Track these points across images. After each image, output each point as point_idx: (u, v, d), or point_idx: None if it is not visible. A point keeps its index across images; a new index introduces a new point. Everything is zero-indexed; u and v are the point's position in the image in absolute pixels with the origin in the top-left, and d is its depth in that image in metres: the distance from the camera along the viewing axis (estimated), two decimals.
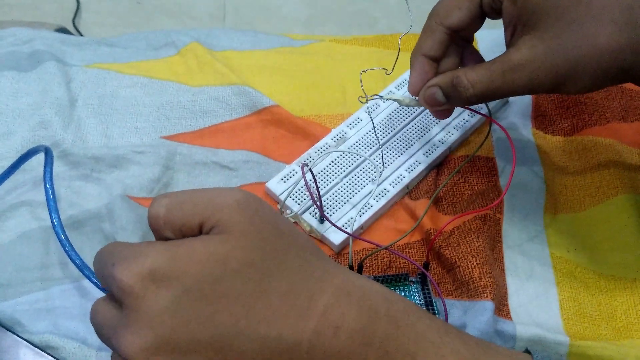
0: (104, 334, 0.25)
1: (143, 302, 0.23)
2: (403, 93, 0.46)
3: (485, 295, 0.36)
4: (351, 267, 0.37)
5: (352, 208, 0.40)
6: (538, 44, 0.32)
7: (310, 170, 0.39)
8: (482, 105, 0.44)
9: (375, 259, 0.39)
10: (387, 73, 0.39)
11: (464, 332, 0.27)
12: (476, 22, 0.36)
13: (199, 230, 0.25)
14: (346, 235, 0.38)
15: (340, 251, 0.39)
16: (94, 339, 0.35)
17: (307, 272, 0.25)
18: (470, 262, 0.37)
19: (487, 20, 0.37)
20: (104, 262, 0.25)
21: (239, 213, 0.25)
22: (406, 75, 0.47)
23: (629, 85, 0.48)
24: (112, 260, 0.25)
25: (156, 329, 0.23)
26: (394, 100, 0.39)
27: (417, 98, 0.38)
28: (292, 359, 0.24)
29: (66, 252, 0.34)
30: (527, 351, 0.28)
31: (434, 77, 0.36)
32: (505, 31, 0.35)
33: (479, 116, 0.44)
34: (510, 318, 0.37)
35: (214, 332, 0.23)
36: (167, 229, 0.25)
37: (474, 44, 0.39)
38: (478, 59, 0.38)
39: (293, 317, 0.24)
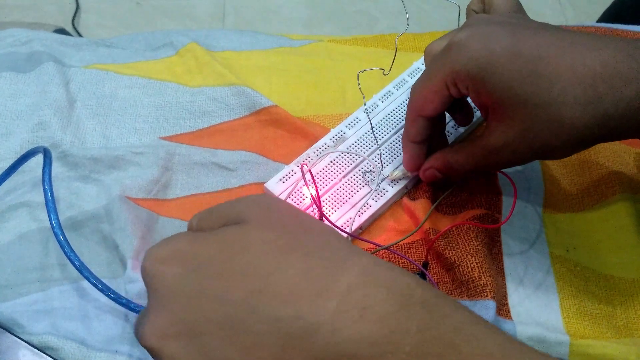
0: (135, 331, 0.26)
1: (158, 281, 0.24)
2: (401, 94, 0.46)
3: (486, 294, 0.36)
4: None
5: (351, 208, 0.40)
6: (508, 130, 0.34)
7: (310, 170, 0.39)
8: None
9: None
10: (385, 73, 0.39)
11: (499, 328, 0.25)
12: (451, 104, 0.37)
13: None
14: (345, 235, 0.38)
15: None
16: (93, 339, 0.35)
17: (328, 252, 0.24)
18: (469, 261, 0.37)
19: None
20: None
21: (257, 205, 0.26)
22: (404, 75, 0.47)
23: None
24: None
25: (168, 309, 0.23)
26: (395, 178, 0.42)
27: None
28: (311, 344, 0.22)
29: (65, 253, 0.34)
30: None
31: (428, 160, 0.40)
32: (480, 110, 0.36)
33: (476, 116, 0.44)
34: (510, 317, 0.37)
35: (226, 311, 0.22)
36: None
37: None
38: (466, 113, 0.42)
39: (312, 295, 0.22)
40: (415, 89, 0.37)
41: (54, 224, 0.35)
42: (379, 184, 0.41)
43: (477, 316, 0.24)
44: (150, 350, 0.24)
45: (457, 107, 0.41)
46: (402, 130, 0.44)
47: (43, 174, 0.36)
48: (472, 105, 0.43)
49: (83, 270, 0.34)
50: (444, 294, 0.24)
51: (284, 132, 0.45)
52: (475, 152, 0.36)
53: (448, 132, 0.44)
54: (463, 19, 0.43)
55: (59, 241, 0.34)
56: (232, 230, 0.24)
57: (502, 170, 0.40)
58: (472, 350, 0.22)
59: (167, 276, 0.24)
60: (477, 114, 0.44)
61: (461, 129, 0.45)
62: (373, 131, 0.43)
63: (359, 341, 0.21)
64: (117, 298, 0.34)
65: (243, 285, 0.23)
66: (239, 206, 0.26)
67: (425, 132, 0.39)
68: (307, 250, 0.24)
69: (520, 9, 0.40)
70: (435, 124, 0.39)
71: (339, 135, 0.44)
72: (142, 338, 0.24)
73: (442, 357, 0.21)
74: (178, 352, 0.23)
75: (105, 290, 0.34)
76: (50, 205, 0.35)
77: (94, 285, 0.34)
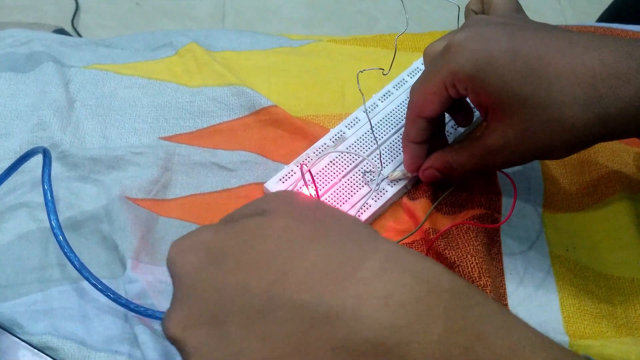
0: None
1: (181, 271, 0.24)
2: (401, 93, 0.46)
3: (486, 294, 0.36)
4: None
5: (350, 208, 0.40)
6: (508, 130, 0.34)
7: (309, 170, 0.39)
8: None
9: None
10: (384, 73, 0.39)
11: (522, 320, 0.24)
12: (451, 105, 0.37)
13: None
14: None
15: None
16: (92, 339, 0.35)
17: (351, 239, 0.23)
18: (469, 261, 0.37)
19: None
20: None
21: (279, 199, 0.26)
22: (404, 75, 0.47)
23: None
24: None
25: (189, 298, 0.23)
26: (395, 179, 0.42)
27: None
28: (333, 332, 0.21)
29: (65, 253, 0.34)
30: (586, 357, 0.26)
31: (428, 159, 0.40)
32: (479, 111, 0.36)
33: (476, 116, 0.44)
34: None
35: (249, 298, 0.22)
36: None
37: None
38: (466, 113, 0.42)
39: (332, 281, 0.21)
40: (414, 90, 0.37)
41: (54, 225, 0.35)
42: (378, 184, 0.41)
43: (505, 309, 0.23)
44: (174, 341, 0.23)
45: (457, 107, 0.41)
46: (402, 130, 0.44)
47: (43, 175, 0.36)
48: (472, 105, 0.43)
49: (83, 270, 0.34)
50: (472, 284, 0.23)
51: (284, 132, 0.45)
52: (475, 152, 0.36)
53: (448, 132, 0.44)
54: (462, 19, 0.43)
55: (58, 242, 0.34)
56: (254, 220, 0.24)
57: (502, 170, 0.40)
58: (501, 342, 0.21)
59: (190, 266, 0.24)
60: (477, 114, 0.44)
61: (461, 129, 0.45)
62: (373, 131, 0.43)
63: (383, 328, 0.20)
64: (116, 298, 0.34)
65: (264, 273, 0.22)
66: (265, 199, 0.26)
67: (425, 132, 0.39)
68: (329, 238, 0.23)
69: (519, 9, 0.40)
70: (435, 125, 0.39)
71: (338, 135, 0.44)
72: (166, 329, 0.23)
73: (470, 347, 0.21)
74: (200, 341, 0.23)
75: (105, 290, 0.34)
76: (50, 205, 0.35)
77: (94, 285, 0.34)
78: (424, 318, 0.21)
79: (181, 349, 0.23)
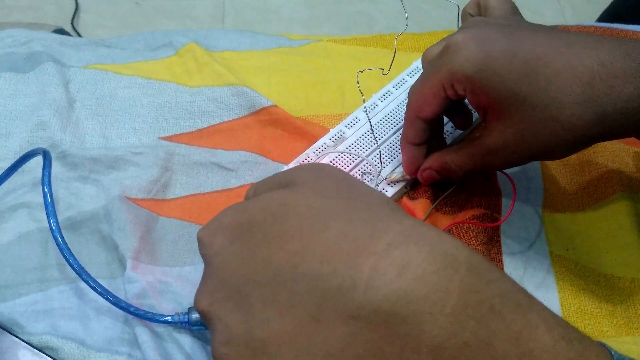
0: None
1: (208, 251, 0.26)
2: (401, 93, 0.46)
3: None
4: None
5: None
6: (507, 130, 0.34)
7: None
8: None
9: None
10: (384, 73, 0.39)
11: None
12: (449, 106, 0.37)
13: None
14: None
15: None
16: (92, 339, 0.35)
17: (372, 212, 0.24)
18: None
19: None
20: None
21: (306, 171, 0.27)
22: (404, 75, 0.47)
23: None
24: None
25: (217, 273, 0.25)
26: (394, 180, 0.42)
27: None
28: (347, 302, 0.21)
29: (64, 256, 0.34)
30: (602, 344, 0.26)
31: (426, 160, 0.40)
32: (477, 111, 0.36)
33: (475, 116, 0.44)
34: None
35: (270, 272, 0.23)
36: None
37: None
38: (465, 115, 0.42)
39: (350, 254, 0.22)
40: (412, 91, 0.38)
41: (54, 227, 0.35)
42: (378, 184, 0.41)
43: (522, 288, 0.23)
44: (202, 314, 0.25)
45: (456, 110, 0.41)
46: (401, 130, 0.44)
47: (43, 177, 0.36)
48: (471, 107, 0.43)
49: (82, 273, 0.34)
50: (490, 261, 0.23)
51: (284, 132, 0.45)
52: (474, 152, 0.36)
53: (447, 131, 0.44)
54: (461, 21, 0.43)
55: (58, 244, 0.34)
56: (277, 194, 0.25)
57: (503, 172, 0.40)
58: (516, 318, 0.21)
59: (216, 246, 0.25)
60: (476, 114, 0.44)
61: (460, 131, 0.45)
62: (372, 131, 0.43)
63: (396, 299, 0.21)
64: (116, 302, 0.34)
65: (285, 247, 0.23)
66: (291, 172, 0.27)
67: (424, 134, 0.39)
68: (349, 214, 0.24)
69: (516, 12, 0.40)
70: (433, 126, 0.39)
71: (338, 135, 0.44)
72: (196, 303, 0.25)
73: (484, 322, 0.21)
74: (225, 314, 0.24)
75: (105, 293, 0.34)
76: (50, 208, 0.35)
77: (94, 289, 0.34)
78: (439, 290, 0.21)
79: (208, 322, 0.25)
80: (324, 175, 0.26)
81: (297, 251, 0.23)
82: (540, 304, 0.22)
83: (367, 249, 0.22)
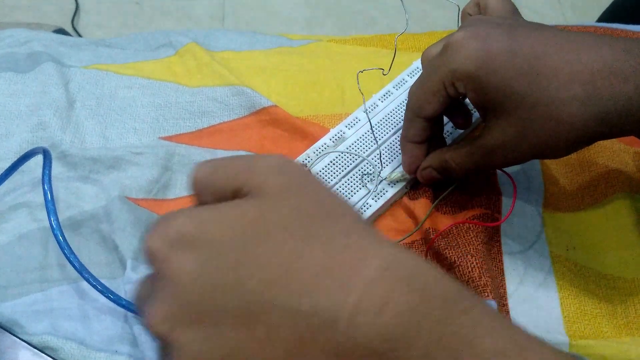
0: (139, 309, 0.24)
1: (168, 267, 0.22)
2: (401, 93, 0.46)
3: (486, 294, 0.36)
4: None
5: None
6: (507, 128, 0.34)
7: (309, 170, 0.39)
8: None
9: None
10: (384, 73, 0.39)
11: (514, 323, 0.24)
12: (449, 105, 0.37)
13: (236, 196, 0.24)
14: None
15: None
16: (92, 339, 0.35)
17: (349, 240, 0.23)
18: (469, 261, 0.37)
19: None
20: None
21: (275, 178, 0.24)
22: (404, 75, 0.47)
23: None
24: (149, 229, 0.24)
25: (181, 295, 0.22)
26: (393, 180, 0.41)
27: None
28: (328, 338, 0.21)
29: (65, 254, 0.34)
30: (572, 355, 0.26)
31: (425, 159, 0.40)
32: (477, 110, 0.36)
33: (476, 116, 0.44)
34: (509, 318, 0.37)
35: (242, 302, 0.21)
36: (207, 193, 0.24)
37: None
38: (465, 116, 0.42)
39: (331, 289, 0.21)
40: (413, 90, 0.37)
41: (54, 225, 0.35)
42: (378, 184, 0.41)
43: (495, 311, 0.24)
44: (161, 337, 0.23)
45: (456, 109, 0.41)
46: (401, 130, 0.44)
47: (43, 176, 0.36)
48: (471, 107, 0.43)
49: (83, 272, 0.34)
50: (464, 287, 0.24)
51: (284, 132, 0.45)
52: (474, 151, 0.36)
53: (447, 131, 0.44)
54: (461, 21, 0.43)
55: (58, 242, 0.34)
56: (248, 209, 0.23)
57: (504, 170, 0.40)
58: (487, 346, 0.21)
59: (179, 263, 0.22)
60: (476, 114, 0.44)
61: (460, 130, 0.44)
62: (373, 131, 0.43)
63: (376, 336, 0.21)
64: (117, 300, 0.34)
65: (261, 275, 0.22)
66: (257, 172, 0.24)
67: (424, 132, 0.39)
68: (328, 239, 0.22)
69: (515, 12, 0.40)
70: (433, 125, 0.39)
71: (338, 135, 0.44)
72: (151, 324, 0.22)
73: (456, 352, 0.21)
74: (191, 339, 0.22)
75: (106, 292, 0.34)
76: (50, 206, 0.35)
77: (94, 287, 0.34)
78: (415, 327, 0.21)
79: (168, 346, 0.22)
80: (296, 184, 0.24)
81: (274, 281, 0.21)
82: (513, 328, 0.23)
83: (349, 283, 0.21)
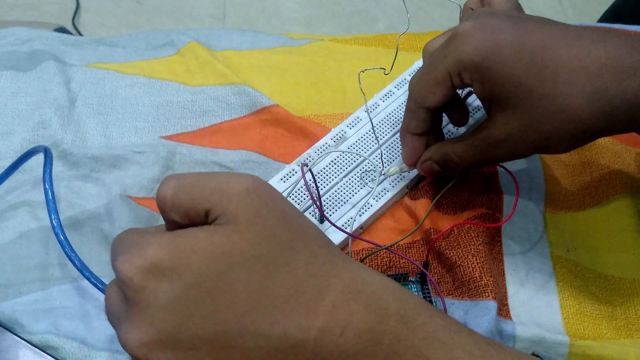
0: (111, 320, 0.26)
1: (143, 296, 0.23)
2: (402, 93, 0.46)
3: (487, 294, 0.36)
4: None
5: (351, 208, 0.40)
6: (512, 121, 0.33)
7: (310, 170, 0.39)
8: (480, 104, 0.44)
9: (375, 259, 0.39)
10: (386, 73, 0.39)
11: (475, 332, 0.27)
12: (452, 97, 0.37)
13: (205, 216, 0.25)
14: (346, 235, 0.38)
15: None
16: (93, 339, 0.35)
17: (315, 266, 0.25)
18: (470, 261, 0.37)
19: None
20: (113, 252, 0.26)
21: (247, 203, 0.24)
22: (405, 74, 0.47)
23: None
24: (119, 250, 0.25)
25: (156, 324, 0.23)
26: (391, 174, 0.41)
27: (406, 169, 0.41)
28: (298, 359, 0.24)
29: (66, 253, 0.34)
30: (535, 354, 0.28)
31: (426, 151, 0.39)
32: (482, 103, 0.36)
33: (478, 116, 0.44)
34: (510, 318, 0.37)
35: (217, 328, 0.23)
36: (174, 212, 0.25)
37: None
38: (463, 112, 0.41)
39: (299, 315, 0.24)
40: (416, 81, 0.37)
41: (55, 224, 0.35)
42: (379, 184, 0.41)
43: (453, 322, 0.26)
44: (138, 359, 0.24)
45: (453, 105, 0.41)
46: None
47: (44, 174, 0.36)
48: (469, 107, 0.43)
49: (84, 270, 0.34)
50: (424, 301, 0.26)
51: (285, 131, 0.45)
52: (477, 144, 0.36)
53: (449, 131, 0.44)
54: None
55: (59, 241, 0.34)
56: (220, 239, 0.23)
57: (505, 168, 0.40)
58: (440, 357, 0.24)
59: (151, 292, 0.23)
60: (476, 115, 0.44)
61: (462, 129, 0.44)
62: (374, 131, 0.43)
63: (340, 355, 0.24)
64: None
65: (233, 304, 0.23)
66: (227, 196, 0.24)
67: (425, 124, 0.38)
68: (294, 267, 0.24)
69: (519, 8, 0.40)
70: (434, 117, 0.39)
71: (339, 134, 0.44)
72: (127, 346, 0.24)
73: None
74: None
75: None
76: (51, 205, 0.35)
77: (95, 285, 0.34)
78: (372, 345, 0.24)
79: None
80: (266, 212, 0.24)
81: (246, 310, 0.23)
82: (469, 337, 0.25)
83: (315, 309, 0.24)
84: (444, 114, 0.42)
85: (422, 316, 0.25)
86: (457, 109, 0.41)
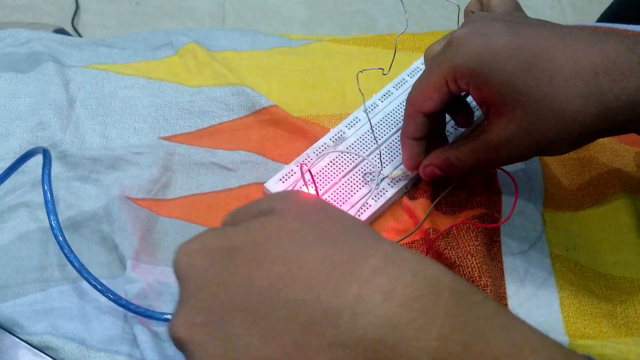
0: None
1: (186, 273, 0.24)
2: (401, 93, 0.46)
3: (486, 293, 0.36)
4: None
5: (350, 208, 0.40)
6: (511, 125, 0.34)
7: (309, 170, 0.39)
8: None
9: None
10: (384, 73, 0.39)
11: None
12: (450, 102, 0.37)
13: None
14: None
15: None
16: (92, 339, 0.35)
17: (352, 238, 0.24)
18: (469, 261, 0.37)
19: None
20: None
21: (285, 199, 0.26)
22: (404, 75, 0.47)
23: None
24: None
25: (196, 297, 0.23)
26: (394, 177, 0.41)
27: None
28: (333, 328, 0.21)
29: (65, 254, 0.34)
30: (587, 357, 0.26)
31: (427, 156, 0.39)
32: (480, 107, 0.36)
33: (477, 116, 0.44)
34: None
35: (252, 297, 0.22)
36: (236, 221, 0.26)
37: None
38: (467, 113, 0.41)
39: (333, 280, 0.22)
40: (415, 86, 0.37)
41: (54, 225, 0.35)
42: (378, 184, 0.41)
43: (505, 308, 0.23)
44: (178, 342, 0.23)
45: (458, 107, 0.41)
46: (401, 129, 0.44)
47: (43, 175, 0.36)
48: (473, 105, 0.43)
49: (83, 271, 0.34)
50: (472, 284, 0.24)
51: (284, 132, 0.45)
52: (476, 148, 0.36)
53: (448, 131, 0.44)
54: (462, 20, 0.43)
55: (58, 242, 0.34)
56: (259, 221, 0.25)
57: (504, 169, 0.40)
58: (501, 341, 0.21)
59: (195, 268, 0.24)
60: (477, 113, 0.44)
61: (461, 129, 0.44)
62: (373, 131, 0.43)
63: (382, 326, 0.20)
64: (116, 299, 0.34)
65: (267, 272, 0.22)
66: (270, 200, 0.26)
67: (424, 128, 0.38)
68: (330, 238, 0.23)
69: (518, 9, 0.40)
70: (433, 122, 0.39)
71: (338, 135, 0.44)
72: (171, 330, 0.24)
73: (469, 346, 0.20)
74: (203, 339, 0.23)
75: (105, 291, 0.34)
76: (50, 206, 0.35)
77: (94, 286, 0.34)
78: (423, 316, 0.20)
79: (185, 348, 0.23)
80: (304, 203, 0.26)
81: (280, 276, 0.22)
82: (525, 325, 0.22)
83: (351, 274, 0.22)
84: (447, 116, 0.43)
85: (477, 295, 0.22)
86: (460, 110, 0.41)
